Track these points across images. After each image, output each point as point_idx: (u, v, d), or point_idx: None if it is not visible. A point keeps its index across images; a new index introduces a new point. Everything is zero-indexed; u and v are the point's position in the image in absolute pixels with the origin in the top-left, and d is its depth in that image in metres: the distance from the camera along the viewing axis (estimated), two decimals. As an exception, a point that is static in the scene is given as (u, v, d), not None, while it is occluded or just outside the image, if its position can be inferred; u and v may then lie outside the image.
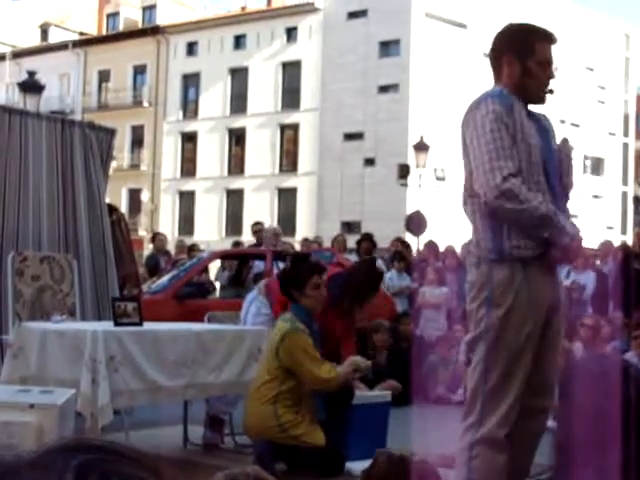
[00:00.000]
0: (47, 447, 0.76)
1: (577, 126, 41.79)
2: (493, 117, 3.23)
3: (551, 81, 3.44)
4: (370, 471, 3.08)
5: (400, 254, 11.48)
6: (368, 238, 12.02)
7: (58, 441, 0.77)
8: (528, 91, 3.39)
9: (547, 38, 3.46)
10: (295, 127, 39.04)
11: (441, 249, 11.73)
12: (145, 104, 42.65)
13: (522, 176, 3.25)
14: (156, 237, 13.55)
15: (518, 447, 3.28)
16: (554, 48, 3.44)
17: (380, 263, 11.90)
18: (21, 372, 4.86)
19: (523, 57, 3.38)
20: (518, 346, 3.24)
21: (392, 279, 10.86)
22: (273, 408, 4.92)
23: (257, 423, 4.98)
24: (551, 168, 3.36)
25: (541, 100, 3.45)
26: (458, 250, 10.88)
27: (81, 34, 46.83)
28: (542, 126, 3.45)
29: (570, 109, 40.47)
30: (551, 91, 3.44)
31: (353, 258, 11.47)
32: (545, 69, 3.41)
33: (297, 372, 4.99)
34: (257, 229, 12.52)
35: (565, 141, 3.58)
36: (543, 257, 3.26)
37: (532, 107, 3.49)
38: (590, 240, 11.98)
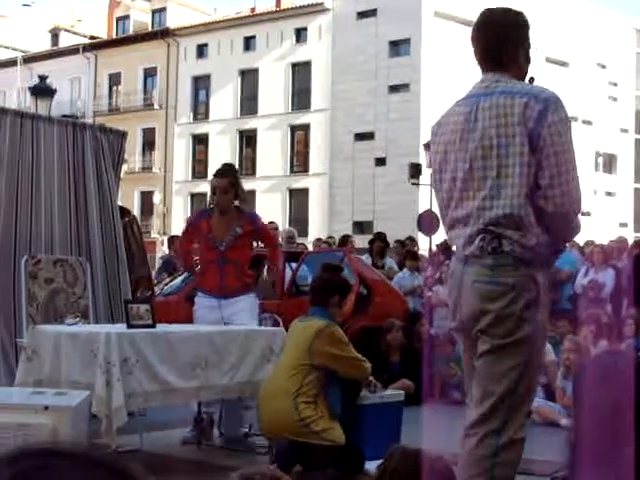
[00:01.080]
0: None
1: (589, 123, 41.63)
2: (569, 126, 3.12)
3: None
4: (385, 465, 3.07)
5: (412, 253, 11.46)
6: (380, 238, 12.00)
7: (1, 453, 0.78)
8: (522, 78, 3.37)
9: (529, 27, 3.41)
10: (306, 128, 39.05)
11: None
12: (156, 107, 42.76)
13: None
14: (173, 240, 13.59)
15: None
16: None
17: (391, 262, 11.90)
18: (35, 375, 4.88)
19: (528, 48, 3.34)
20: (540, 350, 3.25)
21: (404, 278, 10.84)
22: (294, 403, 4.90)
23: (277, 419, 4.94)
24: None
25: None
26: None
27: (91, 38, 46.98)
28: None
29: (582, 106, 40.31)
30: (531, 79, 3.38)
31: (366, 259, 11.47)
32: (528, 59, 3.37)
33: (334, 363, 5.02)
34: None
35: None
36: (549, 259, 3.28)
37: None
38: (604, 237, 11.95)
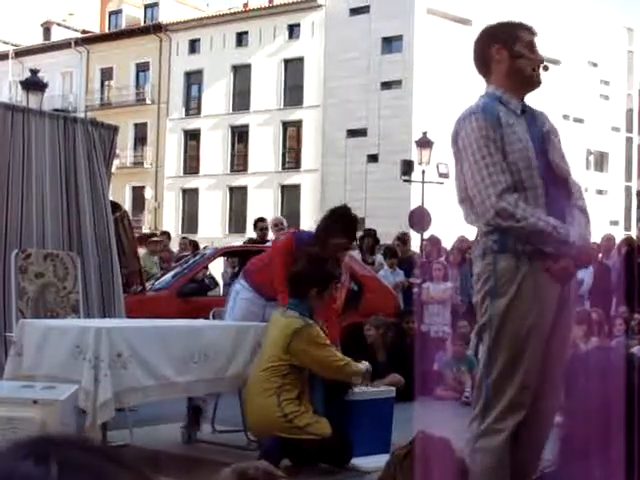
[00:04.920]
0: None
1: (581, 121, 41.73)
2: (478, 135, 3.26)
3: (542, 62, 3.46)
4: (408, 450, 3.07)
5: (390, 250, 11.42)
6: (370, 234, 12.00)
7: None
8: (522, 73, 3.39)
9: (527, 28, 3.51)
10: (298, 124, 39.02)
11: (445, 244, 11.71)
12: (148, 102, 42.66)
13: (521, 186, 3.26)
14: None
15: (523, 444, 3.25)
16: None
17: (380, 258, 11.90)
18: (24, 369, 4.86)
19: (510, 43, 3.41)
20: (521, 338, 3.21)
21: (386, 277, 10.83)
22: (277, 400, 4.92)
23: (261, 417, 4.97)
24: (542, 165, 3.35)
25: (536, 81, 3.44)
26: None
27: (83, 32, 46.83)
28: (536, 121, 3.45)
29: (573, 104, 40.40)
30: (546, 67, 3.46)
31: (356, 254, 11.46)
32: (533, 50, 3.43)
33: (312, 364, 5.03)
34: (262, 226, 12.49)
35: (549, 132, 3.57)
36: (549, 255, 3.26)
37: (532, 104, 3.48)
38: (595, 235, 11.96)
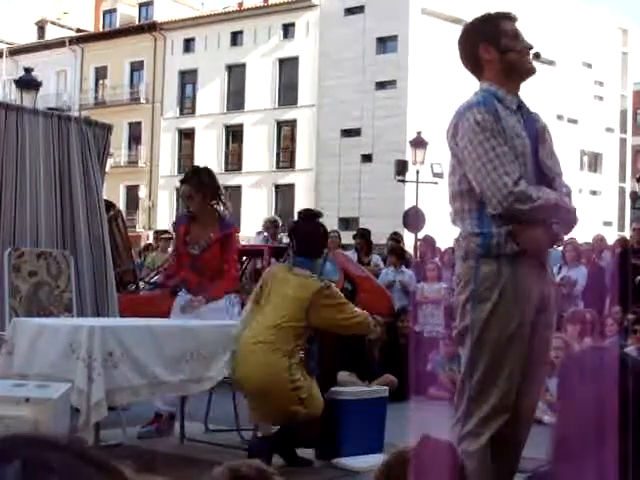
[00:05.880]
0: None
1: (575, 122, 41.79)
2: (483, 127, 3.24)
3: (531, 50, 3.46)
4: (409, 451, 3.05)
5: (394, 249, 11.38)
6: (363, 234, 11.98)
7: None
8: (514, 66, 3.39)
9: (506, 16, 3.50)
10: (292, 123, 39.01)
11: (439, 245, 11.71)
12: (142, 101, 42.60)
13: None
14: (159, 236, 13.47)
15: (504, 443, 3.23)
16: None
17: (377, 259, 11.89)
18: (16, 368, 4.85)
19: (495, 39, 3.39)
20: (502, 343, 3.20)
21: (388, 274, 10.81)
22: (288, 362, 4.85)
23: (268, 375, 4.84)
24: (535, 160, 3.37)
25: (530, 69, 3.45)
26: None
27: (78, 31, 46.73)
28: (531, 118, 3.45)
29: (567, 105, 40.46)
30: (537, 55, 3.46)
31: (352, 254, 11.46)
32: (519, 40, 3.43)
33: (332, 324, 5.03)
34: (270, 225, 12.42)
35: (545, 128, 3.58)
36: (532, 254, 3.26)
37: (526, 104, 3.48)
38: (588, 236, 11.99)
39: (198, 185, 5.84)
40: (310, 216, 5.39)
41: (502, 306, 3.20)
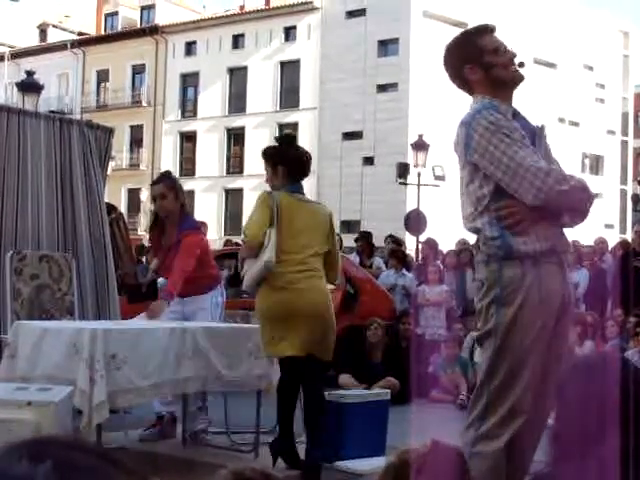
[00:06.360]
0: None
1: (576, 124, 41.80)
2: (498, 125, 3.24)
3: (515, 58, 3.45)
4: (414, 455, 3.04)
5: (395, 253, 11.38)
6: (365, 237, 11.98)
7: None
8: (502, 79, 3.39)
9: (483, 31, 3.48)
10: (294, 126, 39.01)
11: (441, 247, 11.71)
12: (144, 104, 42.65)
13: None
14: None
15: (519, 446, 3.24)
16: (507, 37, 3.44)
17: (379, 261, 11.90)
18: (19, 371, 4.85)
19: (477, 59, 3.38)
20: (526, 346, 3.21)
21: (389, 276, 10.82)
22: (324, 284, 5.05)
23: (327, 299, 5.00)
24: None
25: (517, 77, 3.44)
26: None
27: (80, 34, 46.81)
28: (528, 123, 3.46)
29: (569, 107, 40.47)
30: (522, 64, 3.44)
31: (354, 257, 11.47)
32: (500, 52, 3.42)
33: (336, 250, 5.16)
34: None
35: (542, 128, 3.58)
36: (553, 252, 3.26)
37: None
38: (590, 239, 11.99)
39: (171, 185, 5.98)
40: (291, 139, 5.39)
41: (526, 310, 3.20)
